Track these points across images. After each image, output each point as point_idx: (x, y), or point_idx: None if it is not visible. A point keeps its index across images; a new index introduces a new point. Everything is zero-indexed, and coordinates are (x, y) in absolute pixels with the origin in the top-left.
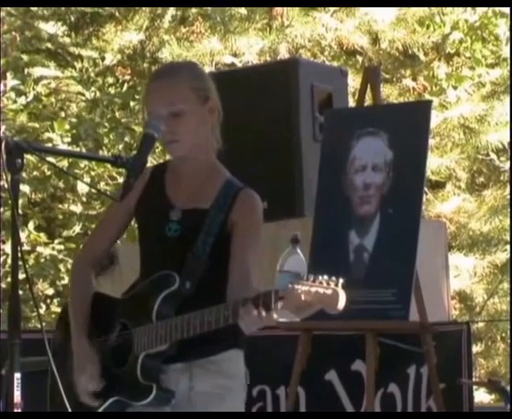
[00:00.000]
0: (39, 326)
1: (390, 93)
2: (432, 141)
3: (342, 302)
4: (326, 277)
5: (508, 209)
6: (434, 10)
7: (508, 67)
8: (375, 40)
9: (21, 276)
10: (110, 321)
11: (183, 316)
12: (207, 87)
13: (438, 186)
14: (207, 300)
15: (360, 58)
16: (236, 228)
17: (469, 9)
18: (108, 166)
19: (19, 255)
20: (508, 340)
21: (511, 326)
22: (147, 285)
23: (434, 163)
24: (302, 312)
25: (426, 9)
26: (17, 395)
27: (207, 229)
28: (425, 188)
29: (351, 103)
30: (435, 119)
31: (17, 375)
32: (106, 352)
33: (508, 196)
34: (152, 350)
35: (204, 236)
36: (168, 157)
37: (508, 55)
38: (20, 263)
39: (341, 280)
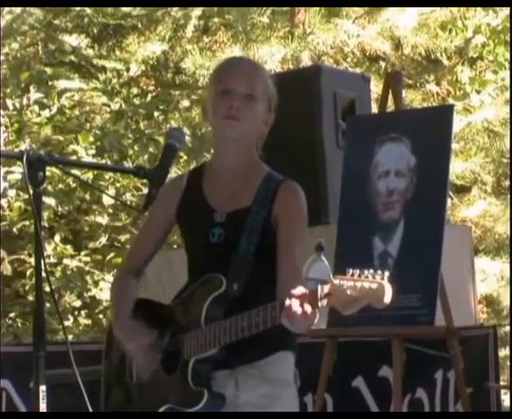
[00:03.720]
0: (67, 337)
1: (413, 99)
2: (456, 146)
3: (388, 296)
4: (371, 271)
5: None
6: (456, 14)
7: None
8: (397, 46)
9: (48, 288)
10: (160, 328)
11: (230, 319)
12: (275, 101)
13: (463, 190)
14: (256, 300)
15: (383, 64)
16: (280, 222)
17: (491, 12)
18: (133, 177)
19: (43, 267)
20: None
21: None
22: (194, 289)
23: (459, 168)
24: (349, 308)
25: (448, 13)
26: (43, 408)
27: (250, 227)
28: (450, 193)
29: (374, 109)
30: (459, 123)
31: (43, 388)
32: (156, 359)
33: None
34: (202, 355)
35: (248, 235)
36: (187, 167)
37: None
38: (44, 275)
39: (386, 273)
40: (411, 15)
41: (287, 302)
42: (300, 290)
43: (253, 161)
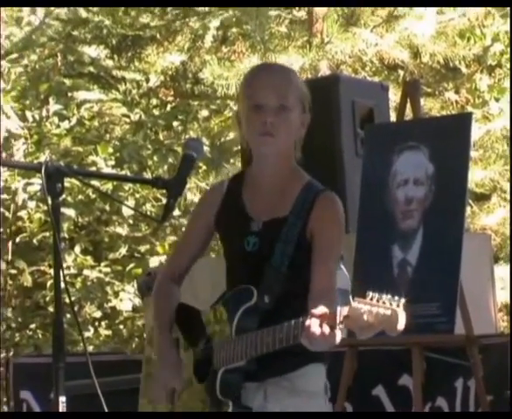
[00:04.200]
0: (86, 349)
1: (432, 107)
2: (475, 154)
3: (401, 323)
4: (389, 296)
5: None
6: (474, 22)
7: None
8: (416, 54)
9: (68, 299)
10: (198, 333)
11: (257, 332)
12: (308, 101)
13: (483, 198)
14: (287, 313)
15: (401, 73)
16: (316, 235)
17: (509, 20)
18: (151, 187)
19: (62, 278)
20: None
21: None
22: (227, 299)
23: (478, 176)
24: (364, 333)
25: (466, 21)
26: None
27: (285, 238)
28: (470, 201)
29: (393, 117)
30: (478, 131)
31: (63, 399)
32: (188, 366)
33: None
34: (230, 365)
35: (282, 247)
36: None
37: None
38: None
39: (402, 300)
40: (429, 23)
41: (307, 322)
42: (321, 310)
43: (292, 170)
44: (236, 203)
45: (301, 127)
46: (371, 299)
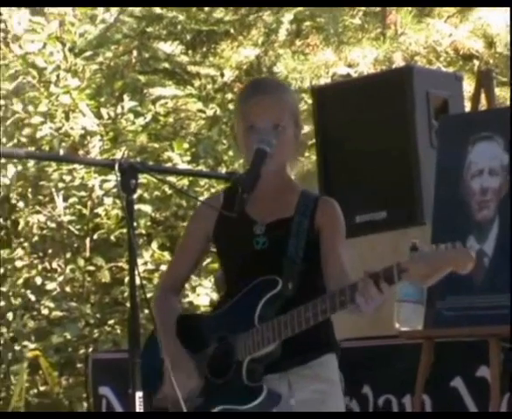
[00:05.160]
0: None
1: (506, 96)
2: None
3: (471, 261)
4: (448, 243)
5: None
6: None
7: None
8: (490, 44)
9: (143, 295)
10: (203, 338)
11: (291, 312)
12: (299, 112)
13: None
14: (308, 299)
15: (476, 63)
16: (323, 232)
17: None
18: (225, 182)
19: (137, 274)
20: None
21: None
22: (245, 294)
23: None
24: (430, 279)
25: None
26: None
27: (296, 233)
28: None
29: (468, 108)
30: None
31: (139, 394)
32: (202, 367)
33: None
34: (258, 353)
35: (294, 242)
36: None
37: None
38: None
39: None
40: (503, 12)
41: (361, 283)
42: (372, 269)
43: (287, 180)
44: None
45: (295, 141)
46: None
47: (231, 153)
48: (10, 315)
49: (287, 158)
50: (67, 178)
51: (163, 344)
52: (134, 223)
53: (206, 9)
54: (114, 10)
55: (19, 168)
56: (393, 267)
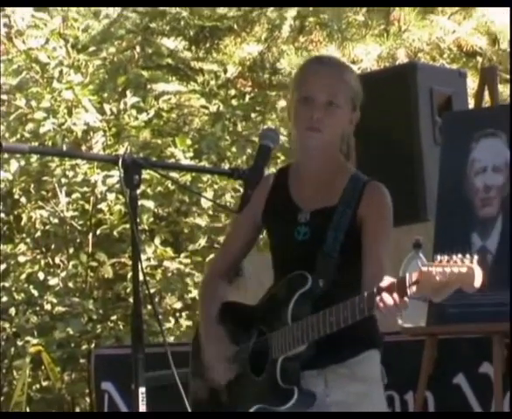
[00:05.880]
0: (166, 340)
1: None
2: None
3: (478, 279)
4: (460, 255)
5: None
6: None
7: None
8: (494, 41)
9: (147, 291)
10: (247, 328)
11: (318, 314)
12: (360, 98)
13: None
14: (341, 298)
15: (480, 60)
16: (366, 222)
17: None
18: (228, 178)
19: (139, 270)
20: None
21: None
22: (280, 288)
23: None
24: (439, 294)
25: None
26: (143, 410)
27: (336, 225)
28: None
29: (472, 105)
30: None
31: (142, 390)
32: (244, 360)
33: None
34: (290, 352)
35: (333, 234)
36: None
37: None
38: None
39: (475, 257)
40: (506, 9)
41: (376, 294)
42: (388, 280)
43: (338, 163)
44: (283, 195)
45: (350, 125)
46: (440, 262)
47: (234, 149)
48: (12, 310)
49: (336, 137)
50: (70, 173)
51: (201, 326)
52: (138, 219)
53: None
54: None
55: (22, 163)
56: (406, 278)
